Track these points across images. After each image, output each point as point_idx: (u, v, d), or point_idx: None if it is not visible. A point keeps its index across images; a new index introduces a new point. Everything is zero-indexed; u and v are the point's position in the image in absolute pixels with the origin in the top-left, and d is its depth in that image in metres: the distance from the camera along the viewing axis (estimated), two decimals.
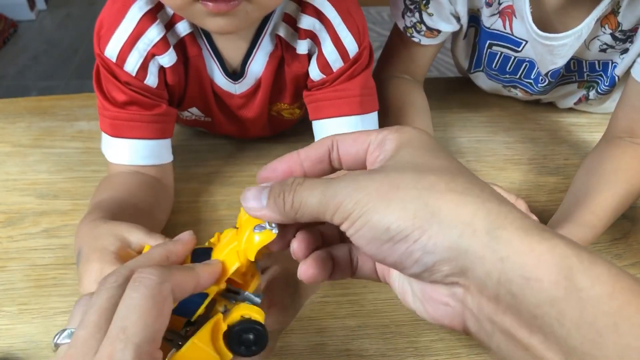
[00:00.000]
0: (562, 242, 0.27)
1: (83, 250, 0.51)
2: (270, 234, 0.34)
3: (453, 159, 0.32)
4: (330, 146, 0.35)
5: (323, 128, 0.66)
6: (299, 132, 0.79)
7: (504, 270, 0.27)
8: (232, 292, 0.37)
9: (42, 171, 0.75)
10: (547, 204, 0.71)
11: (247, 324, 0.34)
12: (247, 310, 0.35)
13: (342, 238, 0.37)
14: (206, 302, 0.35)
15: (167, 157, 0.66)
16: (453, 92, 0.91)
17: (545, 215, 0.64)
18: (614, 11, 0.66)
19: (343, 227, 0.31)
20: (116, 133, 0.62)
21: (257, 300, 0.36)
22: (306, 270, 0.35)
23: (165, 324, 0.30)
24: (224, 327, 0.34)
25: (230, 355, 0.34)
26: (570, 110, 0.86)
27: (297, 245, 0.35)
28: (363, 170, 0.33)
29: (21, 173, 0.75)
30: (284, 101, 0.71)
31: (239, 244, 0.36)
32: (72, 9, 2.68)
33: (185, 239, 0.37)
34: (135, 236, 0.51)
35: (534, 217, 0.61)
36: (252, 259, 0.35)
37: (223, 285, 0.36)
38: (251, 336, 0.34)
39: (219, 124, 0.74)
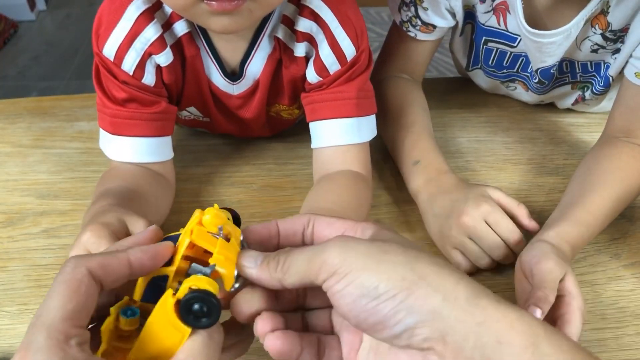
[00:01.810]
0: (529, 314, 0.31)
1: (85, 226, 0.52)
2: (228, 282, 0.36)
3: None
4: (307, 223, 0.38)
5: (320, 129, 0.66)
6: (298, 132, 0.79)
7: (480, 334, 0.30)
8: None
9: (43, 171, 0.76)
10: (545, 204, 0.71)
11: (194, 294, 0.34)
12: (196, 282, 0.34)
13: (307, 328, 0.39)
14: (168, 283, 0.36)
15: (168, 154, 0.66)
16: (452, 93, 0.91)
17: (544, 215, 0.64)
18: (603, 11, 0.66)
19: (329, 283, 0.32)
20: (117, 131, 0.63)
21: (206, 270, 0.36)
22: (274, 341, 0.35)
23: (82, 302, 0.32)
24: (171, 301, 0.34)
25: (187, 329, 0.34)
26: (569, 110, 0.86)
27: (261, 323, 0.36)
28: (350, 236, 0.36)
29: (21, 173, 0.75)
30: (282, 102, 0.71)
31: (189, 229, 0.37)
32: (72, 10, 2.68)
33: (147, 233, 0.38)
34: (137, 227, 0.51)
35: (534, 224, 0.61)
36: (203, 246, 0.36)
37: (182, 264, 0.36)
38: (201, 306, 0.34)
39: (218, 124, 0.74)
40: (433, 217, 0.64)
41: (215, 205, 0.37)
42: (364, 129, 0.66)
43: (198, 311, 0.34)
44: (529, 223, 0.61)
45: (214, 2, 0.51)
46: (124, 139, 0.63)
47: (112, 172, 0.64)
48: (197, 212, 0.37)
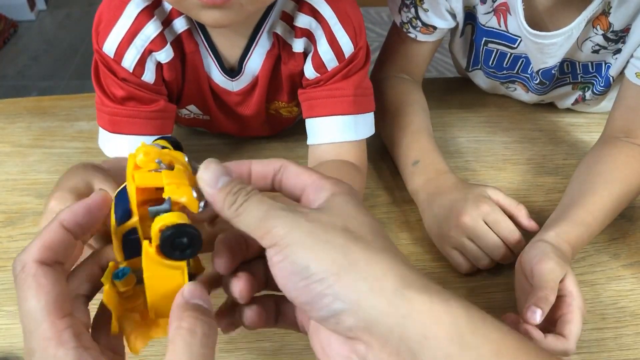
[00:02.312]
0: (458, 303, 0.30)
1: (51, 193, 0.51)
2: (193, 205, 0.34)
3: (375, 218, 0.35)
4: (277, 169, 0.37)
5: (316, 126, 0.67)
6: (297, 132, 0.79)
7: (405, 327, 0.29)
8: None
9: (42, 171, 0.76)
10: (545, 204, 0.71)
11: (166, 234, 0.34)
12: (163, 221, 0.34)
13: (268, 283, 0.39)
14: (140, 234, 0.35)
15: None
16: (452, 92, 0.91)
17: (543, 215, 0.64)
18: (604, 12, 0.66)
19: (269, 253, 0.32)
20: (115, 129, 0.63)
21: (165, 206, 0.35)
22: (252, 315, 0.37)
23: (53, 293, 0.31)
24: (151, 250, 0.34)
25: (182, 262, 0.34)
26: (569, 110, 0.86)
27: (242, 286, 0.36)
28: (305, 206, 0.35)
29: (21, 173, 0.75)
30: (281, 99, 0.71)
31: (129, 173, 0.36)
32: (72, 9, 2.68)
33: (91, 200, 0.36)
34: (99, 182, 0.50)
35: (534, 224, 0.61)
36: (142, 185, 0.35)
37: (143, 212, 0.35)
38: (180, 239, 0.34)
39: (218, 122, 0.74)
40: (432, 217, 0.64)
41: (142, 142, 0.37)
42: (360, 126, 0.66)
43: (180, 244, 0.34)
44: (529, 223, 0.61)
45: None
46: (123, 137, 0.63)
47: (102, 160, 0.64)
48: (130, 157, 0.36)
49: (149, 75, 0.62)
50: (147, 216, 0.35)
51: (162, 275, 0.35)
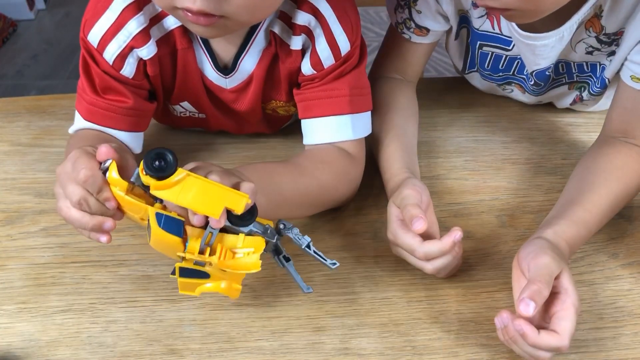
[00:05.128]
0: None
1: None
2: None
3: None
4: None
5: (313, 127, 0.67)
6: (298, 131, 0.79)
7: None
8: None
9: (41, 170, 0.76)
10: (544, 204, 0.71)
11: (145, 158, 0.46)
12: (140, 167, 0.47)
13: None
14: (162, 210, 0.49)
15: (137, 149, 0.68)
16: (451, 92, 0.91)
17: (542, 214, 0.64)
18: (597, 15, 0.66)
19: None
20: (91, 118, 0.64)
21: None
22: None
23: None
24: (152, 183, 0.46)
25: (180, 171, 0.46)
26: (568, 110, 0.86)
27: None
28: None
29: (20, 172, 0.75)
30: (279, 98, 0.71)
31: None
32: (71, 9, 2.67)
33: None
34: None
35: (417, 224, 0.56)
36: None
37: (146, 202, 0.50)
38: (158, 161, 0.46)
39: (214, 120, 0.74)
40: None
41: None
42: (357, 126, 0.66)
43: (161, 166, 0.45)
44: (413, 227, 0.57)
45: (189, 14, 0.52)
46: (96, 127, 0.64)
47: (79, 134, 0.65)
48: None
49: (128, 70, 0.63)
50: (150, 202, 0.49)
51: (184, 192, 0.45)
